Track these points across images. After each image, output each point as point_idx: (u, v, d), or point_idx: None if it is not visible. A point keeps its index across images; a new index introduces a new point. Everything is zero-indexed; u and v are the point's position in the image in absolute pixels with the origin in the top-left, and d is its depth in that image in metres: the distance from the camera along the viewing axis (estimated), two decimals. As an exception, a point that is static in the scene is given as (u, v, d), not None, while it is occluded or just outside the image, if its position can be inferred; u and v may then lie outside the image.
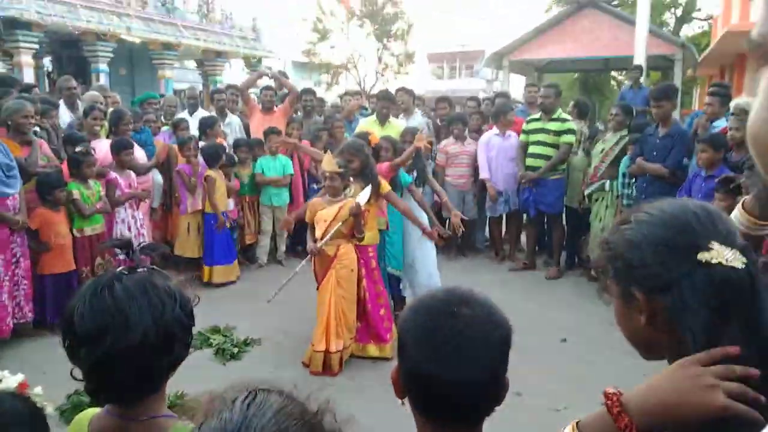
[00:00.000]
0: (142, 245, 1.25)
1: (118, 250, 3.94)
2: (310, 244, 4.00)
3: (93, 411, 1.21)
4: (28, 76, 15.26)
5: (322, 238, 3.86)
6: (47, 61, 18.78)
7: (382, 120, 6.45)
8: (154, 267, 1.19)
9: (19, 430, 0.97)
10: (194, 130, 6.38)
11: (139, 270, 1.15)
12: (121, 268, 1.15)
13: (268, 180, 6.23)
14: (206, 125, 6.16)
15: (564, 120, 6.01)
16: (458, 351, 0.94)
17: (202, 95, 11.62)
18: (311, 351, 3.91)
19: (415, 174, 5.04)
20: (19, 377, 1.47)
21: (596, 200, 5.68)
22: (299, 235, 6.80)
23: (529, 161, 6.06)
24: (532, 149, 6.07)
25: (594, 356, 4.18)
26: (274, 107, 6.91)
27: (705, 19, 24.84)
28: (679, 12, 24.12)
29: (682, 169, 4.99)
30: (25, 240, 4.28)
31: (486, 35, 33.98)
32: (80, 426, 1.19)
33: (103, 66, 16.88)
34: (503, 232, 6.83)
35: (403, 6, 29.82)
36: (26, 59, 15.18)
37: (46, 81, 18.04)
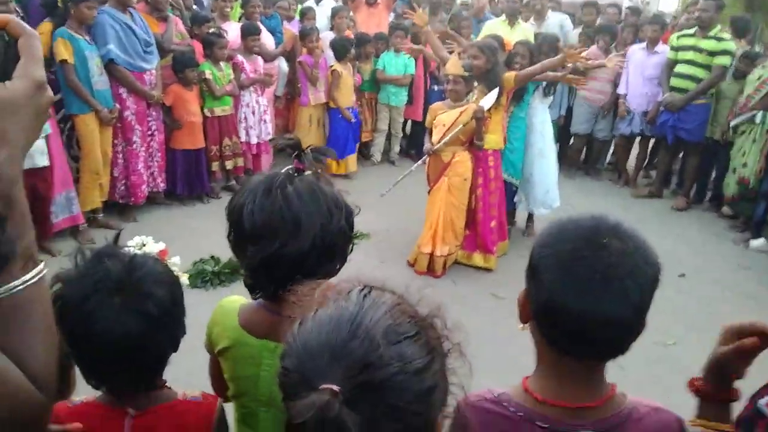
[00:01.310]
0: (311, 148, 1.22)
1: (242, 133, 4.10)
2: (426, 145, 3.96)
3: (240, 300, 1.23)
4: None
5: (439, 142, 3.79)
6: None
7: (512, 20, 6.08)
8: (321, 171, 1.17)
9: (160, 290, 1.04)
10: (322, 19, 6.35)
11: (306, 173, 1.14)
12: (289, 168, 1.14)
13: (388, 78, 6.13)
14: (333, 15, 6.09)
15: (720, 39, 5.32)
16: (606, 286, 0.86)
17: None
18: (417, 251, 3.97)
19: (544, 84, 4.73)
20: (161, 245, 1.55)
21: (742, 133, 5.08)
22: (414, 137, 6.78)
23: (675, 81, 5.50)
24: (680, 68, 5.48)
25: (711, 295, 3.96)
26: (378, 0, 6.70)
27: None
28: None
29: None
30: (160, 114, 4.55)
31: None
32: (226, 312, 1.22)
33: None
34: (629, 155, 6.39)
35: None
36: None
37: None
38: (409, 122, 6.73)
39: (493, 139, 3.99)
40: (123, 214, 4.49)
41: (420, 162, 3.89)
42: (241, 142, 5.25)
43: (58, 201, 3.87)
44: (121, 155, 4.34)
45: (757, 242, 4.82)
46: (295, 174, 1.11)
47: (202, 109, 4.86)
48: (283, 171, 1.12)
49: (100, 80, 4.04)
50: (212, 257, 3.82)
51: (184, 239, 4.14)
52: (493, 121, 3.98)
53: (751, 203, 4.95)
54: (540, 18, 6.56)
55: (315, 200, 1.08)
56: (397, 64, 6.16)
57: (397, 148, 6.59)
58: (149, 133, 4.48)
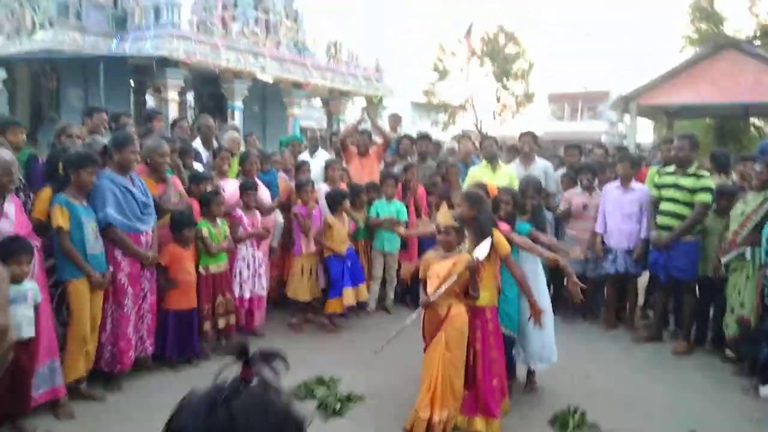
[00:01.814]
0: (260, 351, 1.16)
1: (236, 288, 4.03)
2: (422, 297, 3.91)
3: None
4: (173, 111, 16.70)
5: (434, 294, 3.75)
6: (190, 97, 20.48)
7: (493, 165, 6.33)
8: (269, 382, 1.11)
9: None
10: (317, 170, 6.59)
11: (254, 384, 1.07)
12: (236, 378, 1.07)
13: (379, 222, 6.25)
14: (327, 167, 6.34)
15: (700, 176, 5.48)
16: None
17: (321, 133, 11.99)
18: (414, 416, 3.75)
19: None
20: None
21: (734, 270, 5.09)
22: (409, 285, 6.77)
23: (660, 219, 5.62)
24: (663, 206, 5.62)
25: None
26: (369, 150, 7.00)
27: None
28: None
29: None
30: (154, 275, 4.55)
31: (611, 75, 32.89)
32: None
33: (238, 103, 18.11)
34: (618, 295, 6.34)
35: (525, 45, 29.53)
36: (172, 95, 16.60)
37: (190, 114, 19.65)
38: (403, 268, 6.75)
39: (485, 296, 3.91)
40: (107, 383, 4.31)
41: (414, 315, 3.81)
42: (234, 298, 5.23)
43: (41, 372, 3.71)
44: (110, 320, 4.26)
45: (766, 390, 4.64)
46: (242, 384, 1.04)
47: (197, 266, 4.88)
48: (228, 382, 1.04)
49: (95, 245, 4.07)
50: None
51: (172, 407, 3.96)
52: (485, 276, 3.94)
53: (754, 345, 4.81)
54: (527, 161, 6.81)
55: (264, 417, 1.00)
56: (389, 210, 6.33)
57: (392, 295, 6.57)
58: (141, 294, 4.44)
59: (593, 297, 6.41)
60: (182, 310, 4.72)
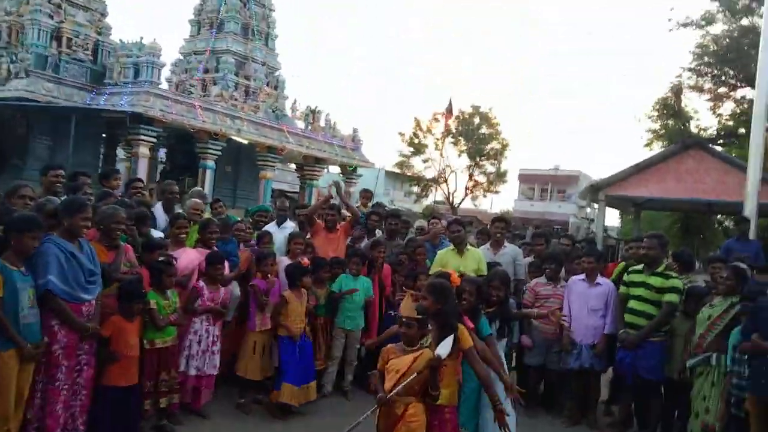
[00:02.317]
0: None
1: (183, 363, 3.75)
2: (379, 394, 3.67)
3: None
4: (143, 166, 16.51)
5: (391, 391, 3.52)
6: (162, 153, 20.33)
7: (460, 249, 6.24)
8: None
9: None
10: (282, 242, 6.39)
11: None
12: None
13: (344, 292, 6.05)
14: (289, 240, 6.15)
15: (668, 276, 5.48)
16: None
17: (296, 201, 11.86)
18: None
19: (497, 324, 4.67)
20: None
21: (700, 374, 4.99)
22: (369, 365, 6.49)
23: (629, 318, 5.56)
24: (632, 304, 5.57)
25: None
26: (337, 226, 6.89)
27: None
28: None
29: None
30: (93, 347, 4.22)
31: (581, 158, 34.04)
32: None
33: (211, 162, 18.04)
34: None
35: (499, 127, 30.41)
36: (143, 151, 16.48)
37: (158, 170, 19.46)
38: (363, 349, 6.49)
39: (446, 394, 3.71)
40: (29, 464, 3.91)
41: (369, 412, 3.55)
42: (179, 372, 4.90)
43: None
44: (39, 394, 3.90)
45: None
46: None
47: (141, 340, 4.57)
48: None
49: (30, 313, 3.76)
50: None
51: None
52: (446, 373, 3.74)
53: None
54: (497, 246, 6.74)
55: None
56: (355, 286, 6.13)
57: (350, 377, 6.27)
58: (77, 368, 4.09)
59: (556, 389, 6.24)
60: (121, 387, 4.36)
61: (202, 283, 5.08)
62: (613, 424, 5.87)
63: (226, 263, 5.40)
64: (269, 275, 5.60)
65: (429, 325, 3.78)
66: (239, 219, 7.02)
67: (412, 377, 3.46)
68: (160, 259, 4.83)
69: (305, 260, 5.79)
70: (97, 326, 4.18)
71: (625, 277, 5.79)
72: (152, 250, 4.96)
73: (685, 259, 6.48)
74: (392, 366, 3.61)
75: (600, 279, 5.96)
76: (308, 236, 6.59)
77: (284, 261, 5.92)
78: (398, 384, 3.48)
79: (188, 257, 5.28)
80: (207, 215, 6.39)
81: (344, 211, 7.24)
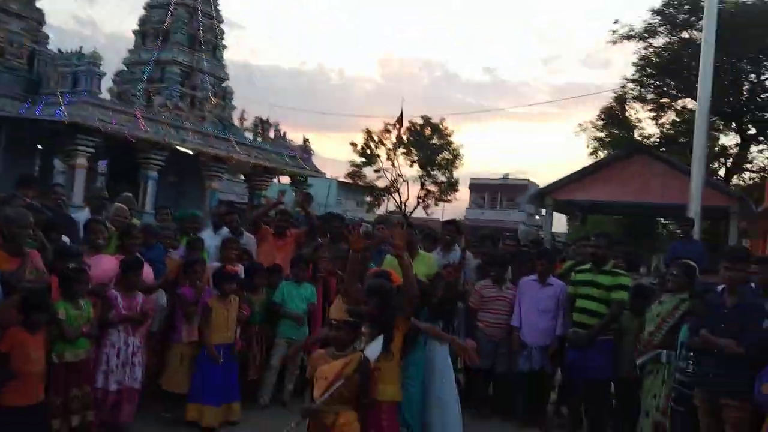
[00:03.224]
0: None
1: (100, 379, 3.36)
2: (306, 403, 3.36)
3: None
4: (81, 177, 15.82)
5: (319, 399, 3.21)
6: (102, 164, 19.54)
7: (412, 252, 5.99)
8: None
9: None
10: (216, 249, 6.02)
11: None
12: None
13: (289, 314, 5.76)
14: (223, 246, 5.78)
15: (616, 273, 5.38)
16: None
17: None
18: None
19: (441, 324, 4.42)
20: None
21: (650, 372, 4.85)
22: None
23: (577, 317, 5.40)
24: (580, 303, 5.42)
25: None
26: (288, 232, 6.56)
27: (757, 171, 24.45)
28: (729, 162, 23.84)
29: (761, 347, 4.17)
30: (-13, 363, 3.77)
31: (529, 166, 34.78)
32: None
33: (153, 173, 17.42)
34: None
35: (450, 137, 30.56)
36: (81, 161, 15.84)
37: (97, 182, 18.66)
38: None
39: (389, 390, 3.48)
40: None
41: (293, 424, 3.22)
42: (96, 389, 4.46)
43: None
44: None
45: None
46: None
47: (49, 354, 4.12)
48: None
49: None
50: None
51: None
52: (386, 370, 3.49)
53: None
54: (447, 250, 6.54)
55: None
56: (299, 294, 5.85)
57: (290, 387, 5.91)
58: (-31, 387, 3.65)
59: (504, 392, 6.04)
60: (23, 405, 3.89)
61: (114, 292, 4.66)
62: (562, 425, 5.70)
63: (146, 266, 5.00)
64: (198, 283, 5.22)
65: (362, 328, 3.51)
66: (197, 213, 6.63)
67: (339, 383, 3.17)
68: (71, 266, 4.40)
69: (235, 267, 5.44)
70: (-8, 339, 3.73)
71: (573, 277, 5.67)
72: (65, 257, 4.53)
73: (631, 257, 6.45)
74: (321, 373, 3.31)
75: (551, 279, 5.83)
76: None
77: (215, 268, 5.55)
78: (326, 391, 3.18)
79: (107, 264, 4.86)
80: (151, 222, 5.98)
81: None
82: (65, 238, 4.99)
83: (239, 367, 5.41)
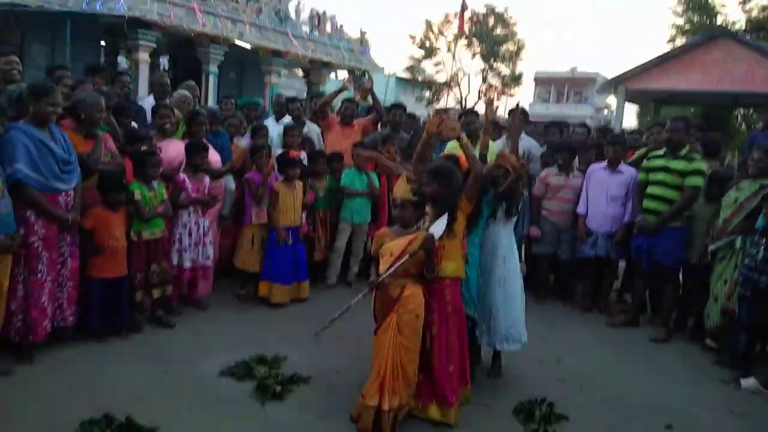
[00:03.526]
0: None
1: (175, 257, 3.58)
2: (372, 277, 3.44)
3: None
4: (144, 72, 15.99)
5: (385, 273, 3.28)
6: (164, 60, 19.69)
7: (473, 140, 5.86)
8: None
9: None
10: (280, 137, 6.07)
11: None
12: None
13: (356, 192, 5.84)
14: (285, 133, 5.82)
15: (692, 159, 5.10)
16: None
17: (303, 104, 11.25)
18: (361, 404, 3.31)
19: (504, 206, 4.35)
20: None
21: (722, 258, 4.72)
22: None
23: (647, 203, 5.21)
24: (651, 190, 5.22)
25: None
26: (354, 121, 6.49)
27: None
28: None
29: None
30: (75, 239, 4.01)
31: (598, 60, 32.86)
32: None
33: (214, 68, 17.42)
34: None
35: (515, 27, 28.99)
36: (144, 56, 15.90)
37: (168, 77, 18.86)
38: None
39: (451, 267, 3.48)
40: (17, 355, 3.80)
41: (360, 296, 3.31)
42: (172, 267, 4.72)
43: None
44: (21, 286, 3.73)
45: (748, 382, 4.27)
46: None
47: (129, 232, 4.35)
48: None
49: (0, 203, 3.53)
50: (106, 415, 3.12)
51: (86, 389, 3.48)
52: (450, 247, 3.49)
53: (733, 334, 4.50)
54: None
55: None
56: (362, 180, 5.90)
57: (355, 269, 6.11)
58: (60, 260, 3.91)
59: (567, 278, 6.06)
60: (109, 278, 4.19)
61: (182, 176, 4.79)
62: (625, 311, 5.68)
63: (214, 152, 5.09)
64: (264, 168, 5.30)
65: (426, 207, 3.50)
66: (259, 101, 6.65)
67: (404, 258, 3.21)
68: (143, 149, 4.53)
69: (296, 152, 5.47)
70: (77, 217, 3.94)
71: (645, 163, 5.41)
72: (135, 141, 4.65)
73: (710, 144, 6.08)
74: (386, 249, 3.36)
75: (622, 166, 5.60)
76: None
77: (280, 153, 5.61)
78: (392, 266, 3.24)
79: (175, 149, 4.97)
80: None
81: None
82: (134, 124, 5.10)
83: (306, 250, 5.60)
